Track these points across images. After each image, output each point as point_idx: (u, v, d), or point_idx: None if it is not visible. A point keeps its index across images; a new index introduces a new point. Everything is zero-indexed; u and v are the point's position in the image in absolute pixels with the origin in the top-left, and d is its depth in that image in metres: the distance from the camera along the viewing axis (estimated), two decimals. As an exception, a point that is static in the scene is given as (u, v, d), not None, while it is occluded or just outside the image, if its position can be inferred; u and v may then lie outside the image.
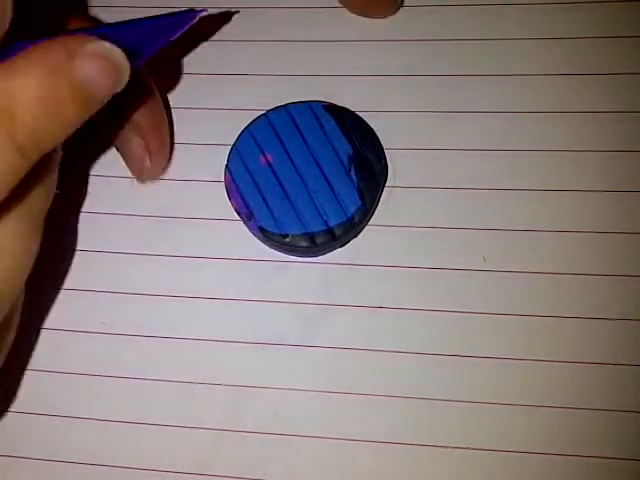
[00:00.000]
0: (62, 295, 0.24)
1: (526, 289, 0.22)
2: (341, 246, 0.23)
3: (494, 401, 0.21)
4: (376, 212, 0.23)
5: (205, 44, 0.26)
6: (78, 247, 0.24)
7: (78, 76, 0.15)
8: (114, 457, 0.22)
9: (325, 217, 0.22)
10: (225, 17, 0.26)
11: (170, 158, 0.25)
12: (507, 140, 0.24)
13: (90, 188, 0.25)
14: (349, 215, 0.22)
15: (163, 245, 0.24)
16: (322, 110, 0.23)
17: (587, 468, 0.21)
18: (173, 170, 0.25)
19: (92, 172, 0.25)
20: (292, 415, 0.22)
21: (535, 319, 0.22)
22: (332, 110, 0.23)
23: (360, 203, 0.22)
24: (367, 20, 0.25)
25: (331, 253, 0.23)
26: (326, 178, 0.22)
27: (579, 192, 0.23)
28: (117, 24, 0.18)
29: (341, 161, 0.22)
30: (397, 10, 0.25)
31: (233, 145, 0.23)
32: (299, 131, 0.23)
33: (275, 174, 0.22)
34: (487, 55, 0.25)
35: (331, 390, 0.22)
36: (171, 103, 0.25)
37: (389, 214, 0.23)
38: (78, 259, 0.24)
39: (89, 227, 0.24)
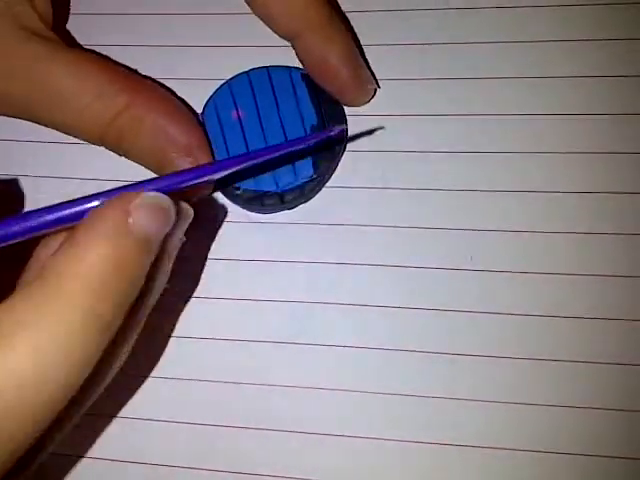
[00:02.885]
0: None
1: (513, 288, 0.22)
2: (289, 209, 0.24)
3: (486, 399, 0.22)
4: (375, 209, 0.23)
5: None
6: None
7: (137, 231, 0.16)
8: (113, 451, 0.22)
9: (277, 180, 0.23)
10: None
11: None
12: (493, 141, 0.24)
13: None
14: (299, 182, 0.23)
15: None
16: (299, 78, 0.23)
17: (589, 466, 0.21)
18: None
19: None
20: (286, 411, 0.22)
21: (521, 318, 0.22)
22: (308, 79, 0.23)
23: (312, 172, 0.23)
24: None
25: (317, 248, 0.23)
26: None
27: (566, 193, 0.23)
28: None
29: (305, 129, 0.23)
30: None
31: (211, 96, 0.24)
32: (274, 94, 0.23)
33: (242, 130, 0.23)
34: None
35: (323, 387, 0.22)
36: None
37: (385, 213, 0.23)
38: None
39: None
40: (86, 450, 0.22)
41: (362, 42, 0.25)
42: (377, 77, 0.24)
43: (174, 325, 0.23)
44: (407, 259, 0.23)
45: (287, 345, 0.23)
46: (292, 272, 0.23)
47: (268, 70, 0.24)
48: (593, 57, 0.24)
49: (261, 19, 0.23)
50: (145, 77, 0.25)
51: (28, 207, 0.24)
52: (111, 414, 0.23)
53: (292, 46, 0.23)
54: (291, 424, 0.22)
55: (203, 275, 0.24)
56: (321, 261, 0.23)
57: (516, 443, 0.21)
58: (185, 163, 0.22)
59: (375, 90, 0.24)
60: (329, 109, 0.23)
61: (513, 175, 0.23)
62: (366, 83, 0.24)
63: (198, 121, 0.23)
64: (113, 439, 0.22)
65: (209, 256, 0.24)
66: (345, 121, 0.23)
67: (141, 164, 0.23)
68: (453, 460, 0.21)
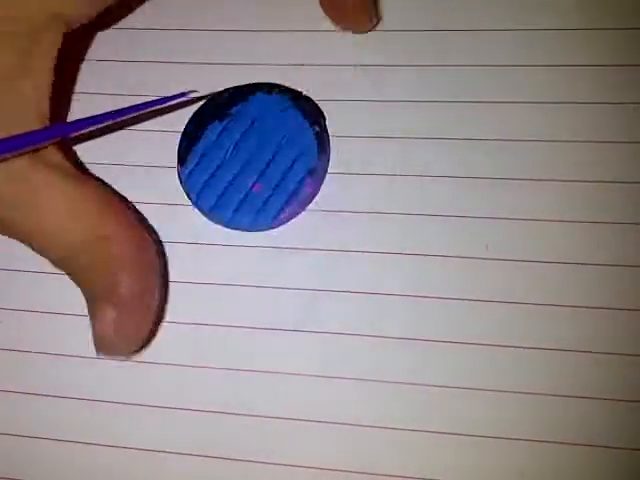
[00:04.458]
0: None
1: (528, 277, 0.22)
2: None
3: (493, 388, 0.22)
4: (376, 201, 0.24)
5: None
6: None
7: None
8: (115, 438, 0.23)
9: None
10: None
11: (147, 344, 0.24)
12: (510, 129, 0.24)
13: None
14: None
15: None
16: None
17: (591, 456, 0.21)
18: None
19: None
20: (291, 398, 0.22)
21: (536, 307, 0.22)
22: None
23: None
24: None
25: (323, 241, 0.23)
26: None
27: (582, 182, 0.23)
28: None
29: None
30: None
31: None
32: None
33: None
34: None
35: (329, 375, 0.22)
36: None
37: (399, 200, 0.24)
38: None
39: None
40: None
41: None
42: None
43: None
44: (421, 247, 0.23)
45: (289, 332, 0.23)
46: (300, 258, 0.24)
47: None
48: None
49: None
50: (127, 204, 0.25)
51: None
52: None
53: None
54: (293, 411, 0.22)
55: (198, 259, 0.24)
56: (331, 249, 0.23)
57: (520, 433, 0.21)
58: (109, 316, 0.21)
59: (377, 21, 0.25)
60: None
61: (529, 163, 0.23)
62: (367, 13, 0.24)
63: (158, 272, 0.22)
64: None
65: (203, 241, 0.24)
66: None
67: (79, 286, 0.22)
68: (457, 449, 0.21)
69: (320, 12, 0.25)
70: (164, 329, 0.24)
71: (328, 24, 0.25)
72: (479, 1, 0.25)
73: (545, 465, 0.21)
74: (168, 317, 0.24)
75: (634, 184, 0.23)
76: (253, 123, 0.24)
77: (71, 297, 0.22)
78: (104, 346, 0.21)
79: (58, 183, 0.21)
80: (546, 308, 0.22)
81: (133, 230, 0.22)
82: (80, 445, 0.23)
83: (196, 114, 0.24)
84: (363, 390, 0.22)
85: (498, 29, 0.25)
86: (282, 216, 0.23)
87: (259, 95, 0.24)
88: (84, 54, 0.27)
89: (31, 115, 0.21)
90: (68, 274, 0.22)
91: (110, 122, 0.22)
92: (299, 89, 0.25)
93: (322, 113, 0.24)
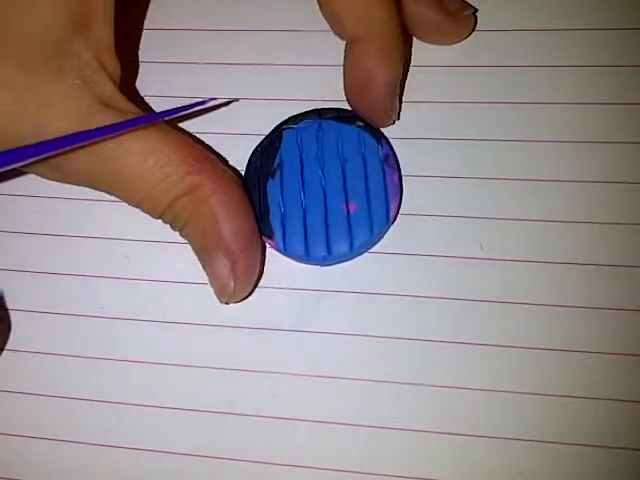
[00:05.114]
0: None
1: (524, 277, 0.23)
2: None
3: (490, 388, 0.22)
4: None
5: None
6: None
7: None
8: (112, 437, 0.23)
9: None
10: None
11: (258, 282, 0.24)
12: (509, 130, 0.25)
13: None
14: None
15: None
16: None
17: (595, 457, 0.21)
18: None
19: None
20: (291, 398, 0.23)
21: (532, 307, 0.23)
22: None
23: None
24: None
25: None
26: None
27: (578, 183, 0.24)
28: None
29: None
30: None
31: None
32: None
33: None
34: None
35: (329, 375, 0.23)
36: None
37: None
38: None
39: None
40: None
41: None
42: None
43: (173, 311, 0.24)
44: (416, 247, 0.24)
45: (293, 333, 0.23)
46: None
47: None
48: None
49: (326, 18, 0.23)
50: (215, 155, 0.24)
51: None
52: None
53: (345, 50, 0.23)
54: (299, 412, 0.23)
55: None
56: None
57: (519, 432, 0.22)
58: (222, 265, 0.22)
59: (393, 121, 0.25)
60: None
61: (524, 162, 0.24)
62: (392, 112, 0.24)
63: (255, 216, 0.23)
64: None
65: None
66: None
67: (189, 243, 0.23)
68: (457, 449, 0.22)
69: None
70: (165, 329, 0.24)
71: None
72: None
73: (544, 465, 0.21)
74: (169, 317, 0.24)
75: (632, 184, 0.23)
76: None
77: (73, 297, 0.23)
78: (226, 294, 0.22)
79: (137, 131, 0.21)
80: (543, 308, 0.23)
81: (222, 174, 0.22)
82: (81, 445, 0.23)
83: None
84: (362, 390, 0.23)
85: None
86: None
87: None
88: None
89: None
90: (174, 229, 0.23)
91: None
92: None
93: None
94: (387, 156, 0.24)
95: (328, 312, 0.24)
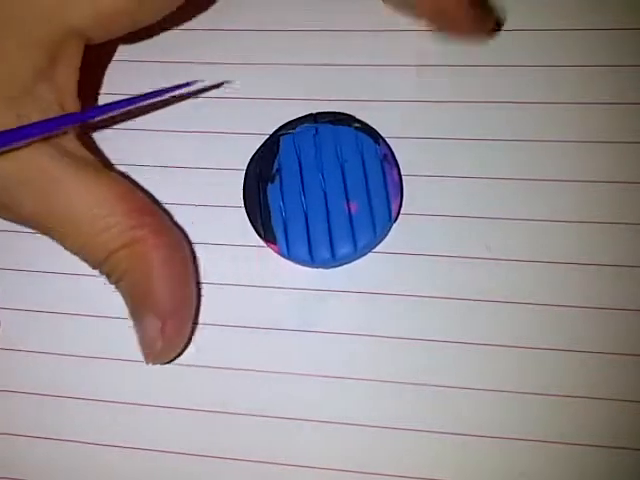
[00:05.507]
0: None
1: (530, 278, 0.23)
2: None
3: (494, 388, 0.22)
4: None
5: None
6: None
7: None
8: (114, 436, 0.23)
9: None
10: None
11: (188, 344, 0.23)
12: (513, 130, 0.25)
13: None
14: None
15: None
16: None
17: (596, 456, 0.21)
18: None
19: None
20: (294, 398, 0.23)
21: (535, 307, 0.23)
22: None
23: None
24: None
25: None
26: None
27: (584, 182, 0.24)
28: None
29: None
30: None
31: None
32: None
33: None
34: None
35: (332, 375, 0.23)
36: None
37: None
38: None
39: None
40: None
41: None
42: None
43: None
44: (420, 247, 0.24)
45: (296, 333, 0.24)
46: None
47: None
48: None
49: None
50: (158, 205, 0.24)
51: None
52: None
53: None
54: (302, 412, 0.23)
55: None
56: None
57: (522, 433, 0.22)
58: (151, 325, 0.21)
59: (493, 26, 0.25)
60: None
61: (528, 162, 0.24)
62: (479, 19, 0.24)
63: (196, 281, 0.23)
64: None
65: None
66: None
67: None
68: (459, 449, 0.22)
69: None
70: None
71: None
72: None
73: (547, 465, 0.21)
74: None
75: (634, 184, 0.23)
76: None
77: (74, 297, 0.23)
78: (152, 355, 0.22)
79: (79, 173, 0.21)
80: (546, 308, 0.23)
81: (167, 231, 0.22)
82: (75, 444, 0.23)
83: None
84: (366, 390, 0.23)
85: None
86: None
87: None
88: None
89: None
90: (110, 282, 0.22)
91: (121, 109, 0.22)
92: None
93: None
94: (385, 155, 0.24)
95: (332, 312, 0.24)
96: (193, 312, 0.23)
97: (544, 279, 0.23)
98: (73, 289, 0.25)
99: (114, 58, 0.27)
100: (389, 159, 0.24)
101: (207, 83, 0.26)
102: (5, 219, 0.23)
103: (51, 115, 0.21)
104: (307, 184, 0.24)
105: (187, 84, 0.23)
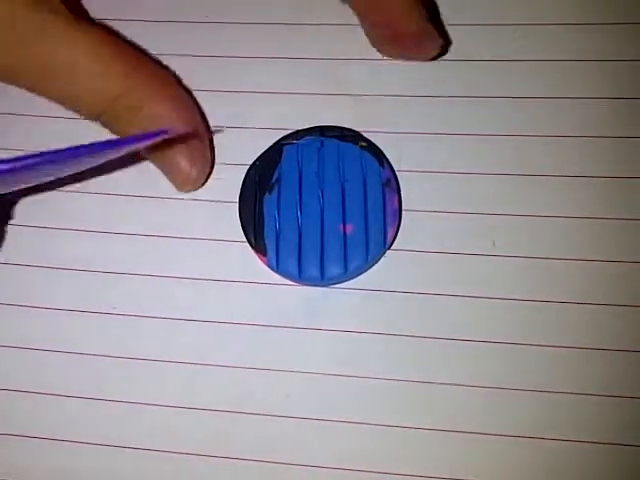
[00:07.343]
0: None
1: (535, 274, 0.23)
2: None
3: (501, 386, 0.22)
4: None
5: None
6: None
7: None
8: (123, 437, 0.23)
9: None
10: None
11: (213, 164, 0.25)
12: (518, 125, 0.24)
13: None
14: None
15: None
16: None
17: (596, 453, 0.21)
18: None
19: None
20: (303, 398, 0.23)
21: (543, 305, 0.23)
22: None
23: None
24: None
25: None
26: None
27: (590, 178, 0.24)
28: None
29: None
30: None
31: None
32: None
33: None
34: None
35: (342, 373, 0.23)
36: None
37: (403, 196, 0.24)
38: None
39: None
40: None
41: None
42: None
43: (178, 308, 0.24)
44: (427, 244, 0.24)
45: (299, 330, 0.23)
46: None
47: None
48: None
49: None
50: (148, 56, 0.25)
51: None
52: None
53: None
54: (311, 411, 0.23)
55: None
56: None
57: (527, 431, 0.22)
58: (179, 158, 0.23)
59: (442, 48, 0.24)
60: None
61: (536, 159, 0.24)
62: (425, 34, 0.23)
63: (198, 109, 0.24)
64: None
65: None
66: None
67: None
68: (465, 446, 0.22)
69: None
70: (170, 326, 0.24)
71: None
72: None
73: (551, 463, 0.21)
74: (172, 314, 0.24)
75: (630, 179, 0.23)
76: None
77: (74, 294, 0.22)
78: (190, 183, 0.24)
79: (66, 28, 0.21)
80: (553, 305, 0.23)
81: (161, 75, 0.23)
82: (89, 446, 0.23)
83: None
84: (374, 389, 0.22)
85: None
86: None
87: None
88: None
89: None
90: (114, 131, 0.23)
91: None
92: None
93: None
94: (388, 180, 0.23)
95: (339, 310, 0.23)
96: (207, 129, 0.24)
97: (550, 276, 0.23)
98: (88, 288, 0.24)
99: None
100: (391, 185, 0.23)
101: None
102: None
103: None
104: (305, 198, 0.23)
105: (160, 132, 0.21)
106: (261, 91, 0.26)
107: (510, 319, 0.23)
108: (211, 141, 0.25)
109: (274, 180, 0.24)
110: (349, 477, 0.22)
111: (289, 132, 0.24)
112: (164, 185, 0.25)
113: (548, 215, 0.23)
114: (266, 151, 0.24)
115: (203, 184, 0.25)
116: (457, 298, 0.23)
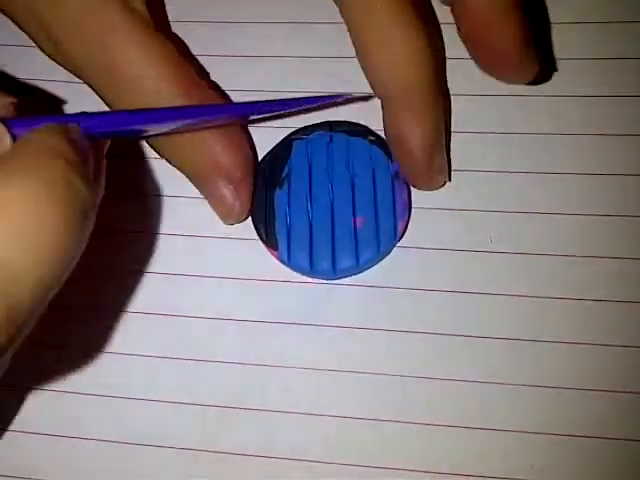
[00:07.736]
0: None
1: (532, 271, 0.23)
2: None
3: (502, 381, 0.22)
4: None
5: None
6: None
7: None
8: (118, 433, 0.23)
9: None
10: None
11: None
12: (518, 123, 0.25)
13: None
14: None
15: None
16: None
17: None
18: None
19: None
20: (302, 393, 0.23)
21: (540, 300, 0.23)
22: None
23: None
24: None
25: None
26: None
27: (587, 175, 0.24)
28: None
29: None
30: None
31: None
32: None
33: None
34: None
35: (340, 369, 0.23)
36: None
37: None
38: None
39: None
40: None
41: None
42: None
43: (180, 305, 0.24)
44: (425, 240, 0.24)
45: (303, 326, 0.23)
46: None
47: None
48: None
49: (364, 70, 0.22)
50: (212, 85, 0.25)
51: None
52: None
53: (381, 106, 0.22)
54: (311, 407, 0.23)
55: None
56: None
57: (532, 426, 0.22)
58: (225, 190, 0.22)
59: (444, 183, 0.24)
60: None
61: (534, 156, 0.24)
62: (438, 173, 0.23)
63: (250, 145, 0.23)
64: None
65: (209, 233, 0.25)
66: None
67: (179, 169, 0.23)
68: (469, 442, 0.22)
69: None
70: (171, 324, 0.24)
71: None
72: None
73: (555, 458, 0.21)
74: (174, 311, 0.24)
75: (631, 176, 0.24)
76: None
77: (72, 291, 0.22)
78: (233, 216, 0.23)
79: (136, 29, 0.21)
80: (553, 301, 0.23)
81: (209, 98, 0.22)
82: (89, 441, 0.23)
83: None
84: (377, 385, 0.23)
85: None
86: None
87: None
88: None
89: None
90: (163, 155, 0.23)
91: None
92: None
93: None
94: (397, 173, 0.23)
95: (341, 306, 0.23)
96: (254, 167, 0.24)
97: (548, 273, 0.23)
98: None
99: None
100: (400, 177, 0.23)
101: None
102: (53, 58, 0.23)
103: None
104: (315, 193, 0.23)
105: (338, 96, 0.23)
106: (270, 90, 0.26)
107: (516, 315, 0.23)
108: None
109: (284, 175, 0.24)
110: (351, 472, 0.22)
111: (298, 127, 0.24)
112: (169, 184, 0.25)
113: (570, 213, 0.24)
114: (276, 146, 0.24)
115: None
116: (463, 295, 0.23)
